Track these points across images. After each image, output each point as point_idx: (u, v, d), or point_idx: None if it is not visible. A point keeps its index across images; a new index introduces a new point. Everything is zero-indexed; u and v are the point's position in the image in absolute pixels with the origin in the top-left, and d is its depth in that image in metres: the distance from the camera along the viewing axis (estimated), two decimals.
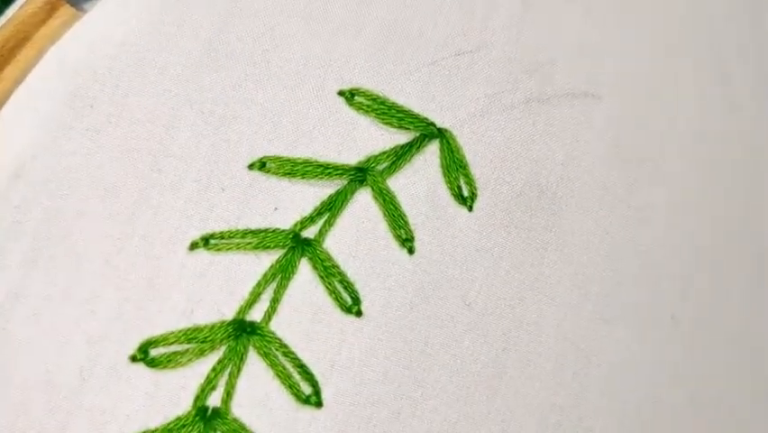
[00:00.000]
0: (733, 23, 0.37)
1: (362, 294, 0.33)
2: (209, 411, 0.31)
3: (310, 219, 0.33)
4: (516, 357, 0.34)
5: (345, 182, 0.34)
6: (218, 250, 0.33)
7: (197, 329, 0.32)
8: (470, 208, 0.34)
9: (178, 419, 0.31)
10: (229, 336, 0.32)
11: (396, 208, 0.34)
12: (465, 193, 0.34)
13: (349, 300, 0.33)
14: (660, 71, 0.37)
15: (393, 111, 0.34)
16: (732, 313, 0.35)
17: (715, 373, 0.35)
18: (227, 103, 0.34)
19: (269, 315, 0.32)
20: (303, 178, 0.34)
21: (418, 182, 0.34)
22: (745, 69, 0.37)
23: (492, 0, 0.36)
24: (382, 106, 0.34)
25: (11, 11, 0.33)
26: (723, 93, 0.37)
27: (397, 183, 0.34)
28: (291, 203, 0.33)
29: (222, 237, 0.33)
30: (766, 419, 0.35)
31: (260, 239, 0.33)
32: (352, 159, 0.34)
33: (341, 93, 0.34)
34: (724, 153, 0.37)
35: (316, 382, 0.32)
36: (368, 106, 0.35)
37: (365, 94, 0.35)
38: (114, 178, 0.33)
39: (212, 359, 0.32)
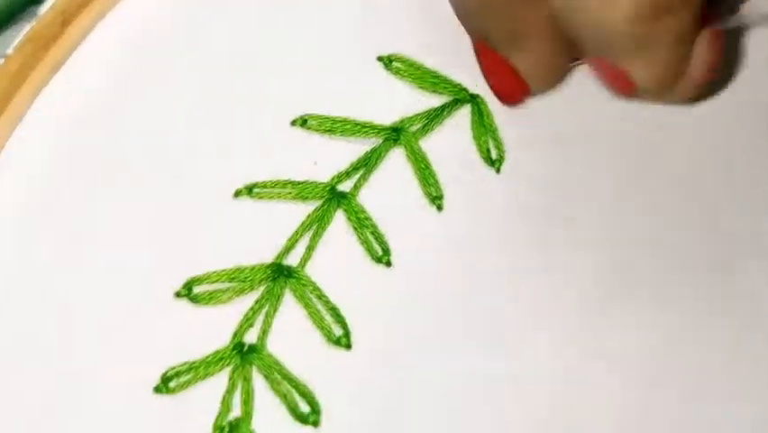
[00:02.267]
0: None
1: (392, 246, 0.35)
2: (246, 347, 0.34)
3: (346, 174, 0.36)
4: (535, 315, 0.35)
5: (380, 141, 0.36)
6: (261, 198, 0.35)
7: (238, 270, 0.34)
8: (498, 170, 0.36)
9: (217, 352, 0.33)
10: (267, 278, 0.34)
11: (426, 167, 0.36)
12: (494, 156, 0.36)
13: (379, 251, 0.35)
14: None
15: (428, 76, 0.37)
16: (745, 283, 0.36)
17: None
18: (275, 63, 0.36)
19: (304, 260, 0.35)
20: (341, 135, 0.36)
21: (449, 143, 0.36)
22: None
23: None
24: (418, 71, 0.37)
25: None
26: None
27: (430, 144, 0.36)
28: (329, 158, 0.36)
29: (264, 186, 0.35)
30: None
31: (299, 190, 0.35)
32: (388, 120, 0.36)
33: (380, 58, 0.37)
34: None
35: (347, 325, 0.34)
36: (404, 71, 0.37)
37: (402, 60, 0.37)
38: (169, 128, 0.35)
39: (250, 298, 0.34)
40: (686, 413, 0.33)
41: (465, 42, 0.36)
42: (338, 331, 0.34)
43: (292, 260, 0.35)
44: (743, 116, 0.37)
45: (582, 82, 0.37)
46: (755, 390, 0.33)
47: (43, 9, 0.35)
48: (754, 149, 0.37)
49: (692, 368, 0.34)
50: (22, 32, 0.35)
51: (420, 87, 0.37)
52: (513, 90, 0.35)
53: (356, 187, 0.35)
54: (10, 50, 0.35)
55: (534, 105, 0.37)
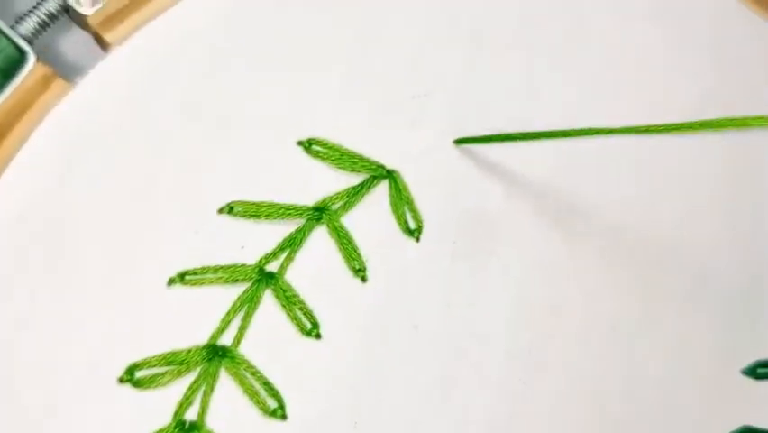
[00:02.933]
0: None
1: (320, 319, 0.37)
2: (187, 424, 0.36)
3: (273, 255, 0.38)
4: (465, 370, 0.37)
5: (304, 221, 0.38)
6: (193, 284, 0.37)
7: (176, 353, 0.37)
8: (417, 239, 0.39)
9: (161, 431, 0.36)
10: (203, 359, 0.37)
11: (349, 242, 0.38)
12: (412, 226, 0.39)
13: (308, 325, 0.37)
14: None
15: (346, 157, 0.39)
16: (666, 324, 0.38)
17: (653, 386, 0.38)
18: (200, 156, 0.39)
19: (237, 340, 0.37)
20: (266, 219, 0.38)
21: (369, 218, 0.39)
22: None
23: (443, 48, 0.41)
24: (336, 153, 0.39)
25: (11, 86, 0.38)
26: None
27: (351, 220, 0.39)
28: (256, 241, 0.38)
29: (195, 273, 0.37)
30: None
31: (228, 274, 0.38)
32: (310, 200, 0.39)
33: (299, 142, 0.39)
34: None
35: (281, 398, 0.36)
36: (324, 153, 0.39)
37: (321, 143, 0.39)
38: (106, 223, 0.38)
39: (188, 379, 0.36)
40: None
41: (379, 121, 0.39)
42: (273, 404, 0.36)
43: (226, 340, 0.37)
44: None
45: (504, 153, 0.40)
46: None
47: None
48: None
49: None
50: None
51: (339, 168, 0.39)
52: None
53: (283, 266, 0.38)
54: None
55: (449, 177, 0.39)
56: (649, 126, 0.35)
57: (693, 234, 0.40)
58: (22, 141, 0.38)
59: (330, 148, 0.39)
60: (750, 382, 0.38)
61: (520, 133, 0.38)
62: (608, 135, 0.36)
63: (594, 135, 0.36)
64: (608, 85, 0.41)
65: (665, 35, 0.41)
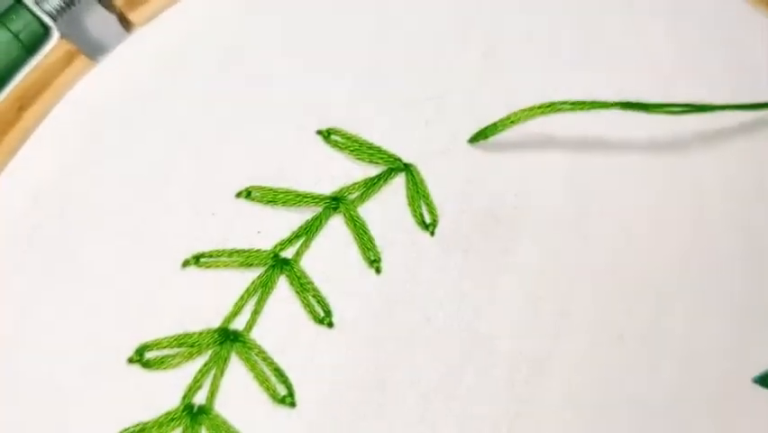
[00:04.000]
0: None
1: (333, 308, 0.37)
2: (195, 408, 0.36)
3: (288, 241, 0.38)
4: (472, 367, 0.37)
5: (321, 209, 0.38)
6: (207, 267, 0.37)
7: (187, 335, 0.36)
8: (432, 233, 0.39)
9: (168, 413, 0.35)
10: (214, 342, 0.36)
11: (365, 233, 0.38)
12: (427, 220, 0.39)
13: (321, 313, 0.37)
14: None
15: (365, 148, 0.39)
16: (675, 332, 0.39)
17: (660, 391, 0.38)
18: (219, 139, 0.39)
19: (250, 325, 0.37)
20: (283, 205, 0.38)
21: (386, 210, 0.39)
22: None
23: (459, 50, 0.41)
24: (355, 144, 0.39)
25: (34, 61, 0.38)
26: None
27: (367, 210, 0.39)
28: (272, 227, 0.38)
29: (210, 256, 0.37)
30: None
31: (243, 258, 0.37)
32: (328, 189, 0.39)
33: (319, 132, 0.39)
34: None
35: (291, 385, 0.36)
36: (342, 144, 0.39)
37: (340, 133, 0.39)
38: (120, 204, 0.38)
39: (199, 362, 0.36)
40: None
41: (401, 115, 0.39)
42: (282, 391, 0.36)
43: (238, 324, 0.37)
44: None
45: (519, 154, 0.40)
46: None
47: (1, 97, 0.37)
48: None
49: None
50: None
51: (357, 159, 0.39)
52: None
53: (298, 253, 0.38)
54: None
55: (465, 175, 0.39)
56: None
57: (705, 241, 0.40)
58: (43, 116, 0.38)
59: (348, 138, 0.39)
60: (761, 391, 0.38)
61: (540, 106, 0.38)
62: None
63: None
64: (623, 84, 0.41)
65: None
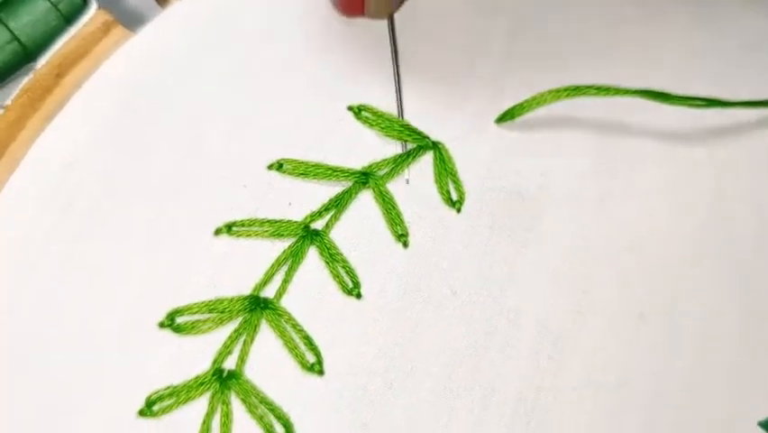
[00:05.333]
0: None
1: (362, 279, 0.38)
2: (225, 373, 0.36)
3: (319, 214, 0.39)
4: (497, 340, 0.38)
5: (350, 183, 0.39)
6: (239, 236, 0.38)
7: (218, 301, 0.37)
8: (459, 210, 0.39)
9: (198, 377, 0.36)
10: (245, 309, 0.37)
11: (393, 208, 0.39)
12: (454, 197, 0.39)
13: (350, 284, 0.38)
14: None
15: (394, 125, 0.40)
16: (694, 313, 0.39)
17: (679, 369, 0.39)
18: (252, 112, 0.39)
19: (280, 293, 0.37)
20: (314, 178, 0.39)
21: (414, 186, 0.39)
22: None
23: (484, 35, 0.42)
24: (385, 121, 0.40)
25: (73, 29, 0.39)
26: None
27: (396, 185, 0.39)
28: (303, 199, 0.39)
29: (243, 225, 0.38)
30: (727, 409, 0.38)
31: (275, 228, 0.38)
32: (358, 164, 0.39)
33: (350, 108, 0.40)
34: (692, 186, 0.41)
35: (319, 353, 0.37)
36: (373, 120, 0.40)
37: (371, 110, 0.40)
38: (155, 172, 0.38)
39: (229, 328, 0.37)
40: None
41: (430, 96, 0.40)
42: (311, 358, 0.37)
43: (269, 292, 0.37)
44: None
45: (545, 136, 0.41)
46: None
47: (40, 64, 0.38)
48: None
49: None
50: (21, 85, 0.38)
51: (387, 135, 0.40)
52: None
53: (328, 225, 0.38)
54: (9, 102, 0.38)
55: (495, 153, 0.40)
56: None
57: (723, 225, 0.40)
58: (80, 83, 0.38)
59: (379, 116, 0.40)
60: None
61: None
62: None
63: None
64: (645, 74, 0.42)
65: None
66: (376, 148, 0.40)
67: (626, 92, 0.40)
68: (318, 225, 0.38)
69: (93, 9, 0.39)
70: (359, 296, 0.38)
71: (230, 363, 0.36)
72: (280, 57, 0.40)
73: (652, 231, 0.40)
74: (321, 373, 0.37)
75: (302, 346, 0.37)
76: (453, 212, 0.39)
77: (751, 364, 0.38)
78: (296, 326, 0.37)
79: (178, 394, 0.36)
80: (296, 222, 0.38)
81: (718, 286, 0.40)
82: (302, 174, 0.39)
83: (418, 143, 0.40)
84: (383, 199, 0.39)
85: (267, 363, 0.37)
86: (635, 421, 0.37)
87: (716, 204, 0.41)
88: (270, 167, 0.39)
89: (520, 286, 0.39)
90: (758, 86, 0.42)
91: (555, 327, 0.38)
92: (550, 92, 0.40)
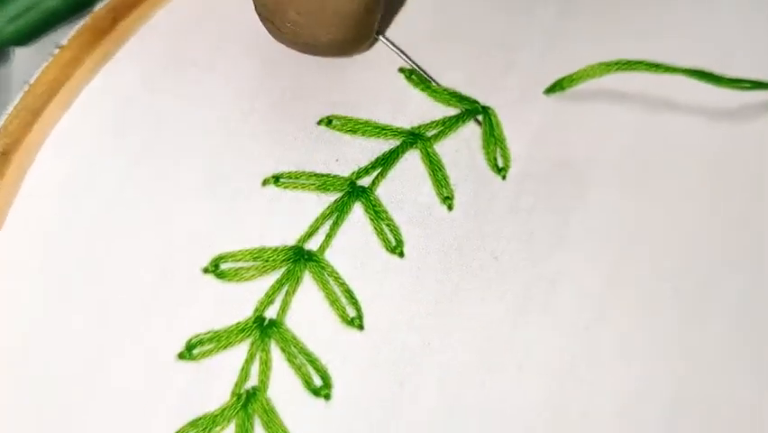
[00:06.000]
0: None
1: (405, 238, 0.38)
2: (266, 321, 0.36)
3: (365, 171, 0.39)
4: (536, 307, 0.38)
5: (398, 143, 0.39)
6: (286, 187, 0.38)
7: (263, 250, 0.37)
8: (504, 177, 0.39)
9: (239, 324, 0.36)
10: (289, 259, 0.37)
11: (440, 169, 0.39)
12: (500, 164, 0.40)
13: (393, 242, 0.38)
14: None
15: (443, 89, 0.40)
16: (729, 288, 0.39)
17: (712, 344, 0.39)
18: (303, 66, 0.40)
19: (324, 246, 0.38)
20: (362, 135, 0.39)
21: (461, 150, 0.40)
22: None
23: (532, 8, 0.42)
24: (433, 85, 0.40)
25: None
26: None
27: (443, 148, 0.39)
28: (351, 155, 0.39)
29: (290, 177, 0.38)
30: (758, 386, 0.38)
31: (321, 182, 0.38)
32: (406, 124, 0.40)
33: (401, 70, 0.40)
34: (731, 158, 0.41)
35: (360, 308, 0.37)
36: (422, 85, 0.40)
37: (420, 75, 0.40)
38: (208, 117, 0.39)
39: (272, 277, 0.37)
40: None
41: (480, 64, 0.40)
42: (352, 313, 0.37)
43: (313, 245, 0.38)
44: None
45: (593, 109, 0.41)
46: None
47: (97, 7, 0.38)
48: None
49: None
50: (77, 27, 0.39)
51: (436, 100, 0.40)
52: None
53: (374, 183, 0.39)
54: (65, 41, 0.38)
55: (543, 122, 0.40)
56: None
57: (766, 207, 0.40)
58: (135, 29, 0.39)
59: (426, 81, 0.40)
60: None
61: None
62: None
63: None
64: (689, 53, 0.42)
65: None
66: (424, 109, 0.40)
67: (675, 70, 0.40)
68: (365, 182, 0.39)
69: None
70: (401, 254, 0.38)
71: (271, 313, 0.37)
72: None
73: (689, 208, 0.40)
74: (361, 327, 0.37)
75: (343, 300, 0.37)
76: (499, 178, 0.39)
77: None
78: (338, 279, 0.37)
79: (219, 339, 0.36)
80: (342, 177, 0.38)
81: (756, 264, 0.40)
82: (350, 131, 0.39)
83: (467, 108, 0.40)
84: (430, 161, 0.39)
85: (308, 314, 0.37)
86: (667, 395, 0.37)
87: (757, 185, 0.41)
88: (320, 122, 0.39)
89: (560, 255, 0.39)
90: None
91: (592, 299, 0.38)
92: (600, 65, 0.40)
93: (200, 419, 0.35)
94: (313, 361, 0.36)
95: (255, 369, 0.36)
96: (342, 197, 0.38)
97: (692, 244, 0.40)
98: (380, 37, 0.40)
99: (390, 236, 0.38)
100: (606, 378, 0.37)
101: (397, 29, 0.42)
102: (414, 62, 0.40)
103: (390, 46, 0.40)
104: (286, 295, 0.37)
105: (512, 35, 0.42)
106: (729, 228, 0.40)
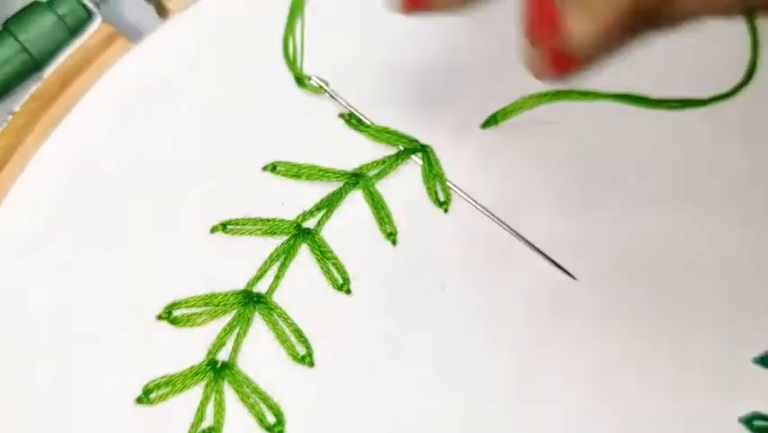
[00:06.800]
0: None
1: (351, 276, 0.39)
2: (219, 364, 0.38)
3: (310, 213, 0.40)
4: (484, 335, 0.39)
5: (341, 184, 0.41)
6: (234, 233, 0.40)
7: (213, 296, 0.38)
8: (446, 210, 0.41)
9: (193, 368, 0.38)
10: (239, 303, 0.39)
11: (383, 207, 0.40)
12: (441, 198, 0.41)
13: (340, 280, 0.39)
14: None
15: (383, 130, 0.42)
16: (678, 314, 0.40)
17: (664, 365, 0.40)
18: (248, 120, 0.41)
19: (272, 288, 0.39)
20: (306, 179, 0.41)
21: (402, 187, 0.41)
22: None
23: (472, 41, 0.44)
24: (374, 126, 0.42)
25: (78, 41, 0.41)
26: None
27: (385, 187, 0.41)
28: (295, 199, 0.40)
29: (237, 224, 0.40)
30: None
31: (268, 226, 0.40)
32: (348, 166, 0.41)
33: (341, 115, 0.42)
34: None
35: (310, 346, 0.38)
36: (363, 126, 0.42)
37: (357, 118, 0.42)
38: (154, 174, 0.40)
39: (223, 321, 0.38)
40: None
41: (418, 103, 0.42)
42: (302, 351, 0.38)
43: (261, 287, 0.39)
44: None
45: (527, 140, 0.42)
46: None
47: (47, 73, 0.41)
48: None
49: None
50: (29, 92, 0.41)
51: (376, 140, 0.41)
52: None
53: (319, 224, 0.40)
54: (17, 108, 0.40)
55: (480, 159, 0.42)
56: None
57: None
58: (84, 92, 0.41)
59: (364, 124, 0.42)
60: (760, 371, 0.39)
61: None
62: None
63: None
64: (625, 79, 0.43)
65: None
66: (366, 151, 0.41)
67: (606, 96, 0.42)
68: (310, 224, 0.40)
69: (97, 22, 0.41)
70: (348, 292, 0.39)
71: (224, 355, 0.38)
72: (277, 66, 0.42)
73: (638, 234, 0.41)
74: (311, 364, 0.38)
75: (293, 339, 0.38)
76: (441, 212, 0.41)
77: (737, 361, 0.39)
78: (287, 319, 0.38)
79: (174, 383, 0.37)
80: (288, 221, 0.40)
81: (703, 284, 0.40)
82: (295, 175, 0.41)
83: (407, 146, 0.42)
84: (373, 199, 0.41)
85: (259, 354, 0.38)
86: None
87: (705, 209, 0.42)
88: (265, 168, 0.41)
89: (507, 283, 0.40)
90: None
91: (541, 319, 0.39)
92: (531, 96, 0.41)
93: None
94: (266, 399, 0.37)
95: (210, 410, 0.37)
96: (289, 239, 0.40)
97: (654, 278, 0.40)
98: (314, 78, 0.42)
99: (337, 275, 0.39)
100: (556, 396, 0.38)
101: (335, 71, 0.43)
102: (349, 105, 0.41)
103: (327, 89, 0.42)
104: (237, 337, 0.38)
105: (451, 70, 0.43)
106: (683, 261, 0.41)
